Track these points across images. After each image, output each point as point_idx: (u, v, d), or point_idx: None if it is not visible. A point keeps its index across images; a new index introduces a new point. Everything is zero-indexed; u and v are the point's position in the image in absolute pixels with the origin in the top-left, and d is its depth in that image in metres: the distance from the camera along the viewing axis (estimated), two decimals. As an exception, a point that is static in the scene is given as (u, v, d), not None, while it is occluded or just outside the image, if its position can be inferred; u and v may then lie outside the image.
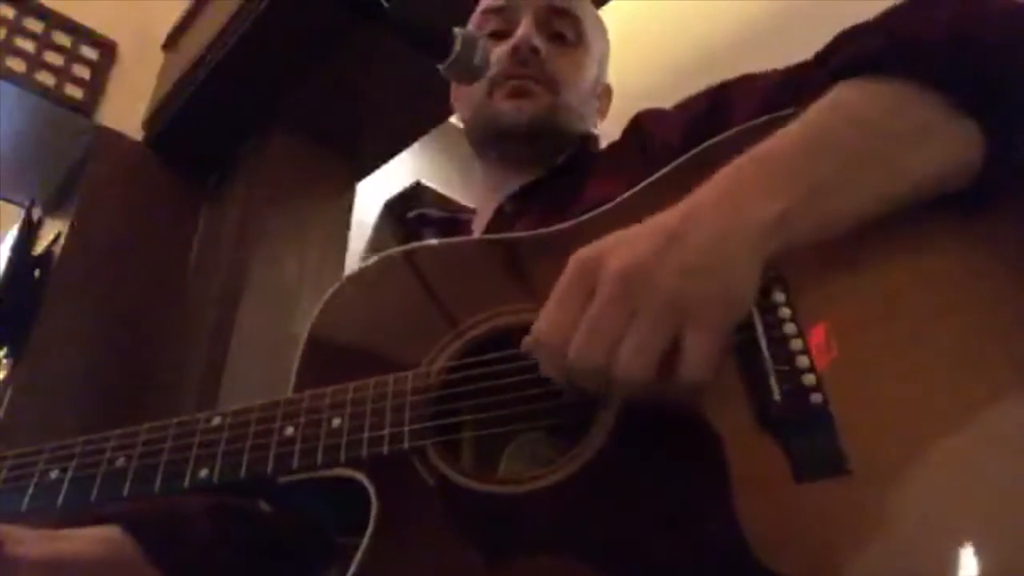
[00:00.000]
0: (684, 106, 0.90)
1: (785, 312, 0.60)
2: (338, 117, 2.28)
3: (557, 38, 1.03)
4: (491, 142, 1.03)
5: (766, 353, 0.58)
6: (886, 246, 0.60)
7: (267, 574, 0.92)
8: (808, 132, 0.59)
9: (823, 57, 0.73)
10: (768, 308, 0.60)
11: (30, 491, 0.71)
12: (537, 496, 0.59)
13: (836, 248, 0.59)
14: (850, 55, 0.64)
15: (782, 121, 0.61)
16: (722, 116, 0.80)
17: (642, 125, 0.94)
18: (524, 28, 1.00)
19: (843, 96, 0.61)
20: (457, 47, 0.92)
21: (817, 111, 0.61)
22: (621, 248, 0.55)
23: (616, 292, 0.53)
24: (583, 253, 0.57)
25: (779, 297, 0.60)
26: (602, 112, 1.11)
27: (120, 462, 0.70)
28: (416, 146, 2.52)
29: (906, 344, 0.56)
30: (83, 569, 0.80)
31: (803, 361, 0.57)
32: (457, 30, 0.93)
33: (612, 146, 0.99)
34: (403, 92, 2.12)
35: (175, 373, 2.11)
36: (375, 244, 2.71)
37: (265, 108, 2.25)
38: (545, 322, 0.57)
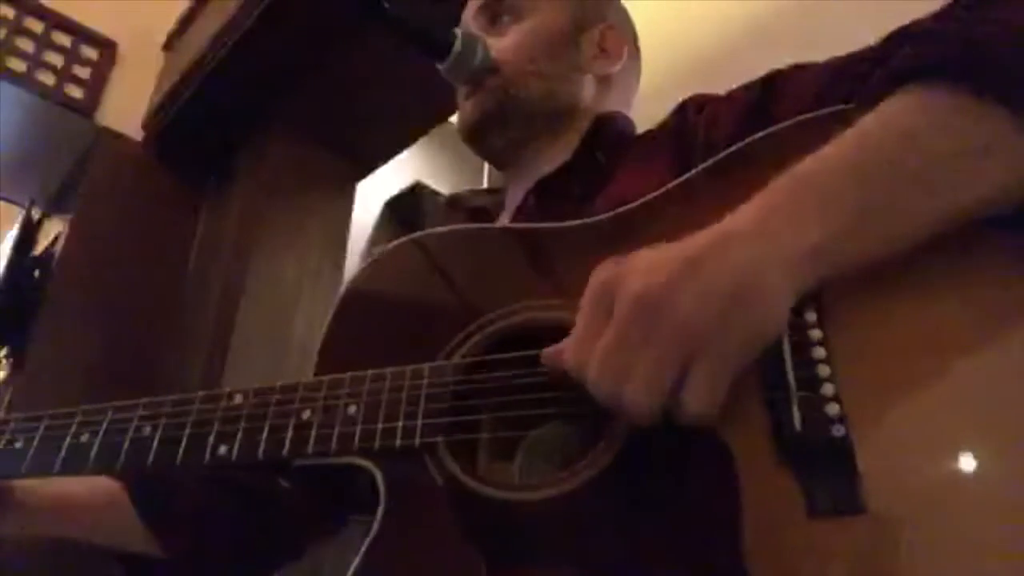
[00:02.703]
0: (733, 97, 0.85)
1: (815, 334, 0.56)
2: (338, 117, 2.27)
3: (497, 20, 1.00)
4: (471, 146, 1.01)
5: (790, 376, 0.54)
6: (933, 263, 0.55)
7: (261, 551, 0.93)
8: (856, 151, 0.55)
9: (880, 52, 0.68)
10: (798, 327, 0.56)
11: (62, 454, 0.73)
12: (543, 507, 0.58)
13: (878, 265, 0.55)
14: (909, 59, 0.58)
15: (833, 118, 0.58)
16: (771, 109, 0.76)
17: (687, 114, 0.88)
18: (463, 23, 1.00)
19: (898, 108, 0.56)
20: (457, 47, 0.92)
21: (869, 125, 0.56)
22: (640, 271, 0.53)
23: (629, 317, 0.52)
24: (604, 273, 0.55)
25: (811, 317, 0.56)
26: (610, 54, 1.01)
27: (146, 431, 0.72)
28: (416, 146, 2.52)
29: (942, 378, 0.53)
30: (75, 507, 0.83)
31: (828, 389, 0.53)
32: (457, 30, 0.94)
33: (650, 133, 0.94)
34: (403, 92, 2.12)
35: (175, 372, 2.12)
36: (375, 244, 2.71)
37: (265, 108, 2.26)
38: (571, 341, 0.55)
